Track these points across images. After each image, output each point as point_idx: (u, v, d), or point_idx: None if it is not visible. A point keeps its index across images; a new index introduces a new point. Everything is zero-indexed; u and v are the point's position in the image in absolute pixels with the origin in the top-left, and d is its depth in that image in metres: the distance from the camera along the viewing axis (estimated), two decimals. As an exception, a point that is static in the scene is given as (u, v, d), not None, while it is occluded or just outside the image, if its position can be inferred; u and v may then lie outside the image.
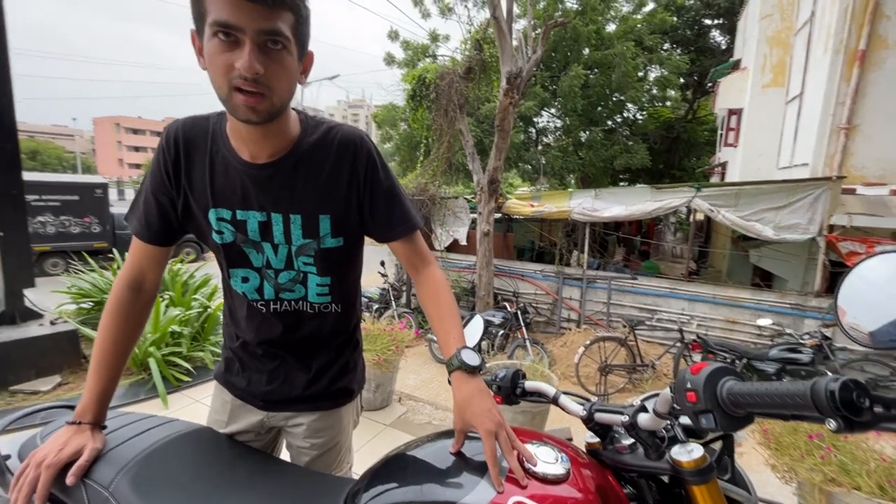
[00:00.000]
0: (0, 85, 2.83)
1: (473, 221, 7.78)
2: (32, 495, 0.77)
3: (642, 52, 12.05)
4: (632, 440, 0.82)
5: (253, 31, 0.70)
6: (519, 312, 5.84)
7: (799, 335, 5.17)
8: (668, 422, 0.76)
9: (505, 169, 14.39)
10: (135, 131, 52.42)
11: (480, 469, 0.74)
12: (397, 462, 0.83)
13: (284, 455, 1.14)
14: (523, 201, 7.28)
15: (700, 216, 8.90)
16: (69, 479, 0.79)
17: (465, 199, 7.87)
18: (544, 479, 0.73)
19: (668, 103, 16.59)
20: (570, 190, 7.55)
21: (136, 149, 52.19)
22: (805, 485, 1.65)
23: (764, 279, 8.15)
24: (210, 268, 4.14)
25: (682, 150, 16.64)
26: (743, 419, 0.60)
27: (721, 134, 12.56)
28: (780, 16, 8.63)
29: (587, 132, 13.28)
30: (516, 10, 10.07)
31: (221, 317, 1.13)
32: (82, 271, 4.17)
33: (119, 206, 13.26)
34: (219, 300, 3.62)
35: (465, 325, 1.18)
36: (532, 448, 0.78)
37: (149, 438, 0.91)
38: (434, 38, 11.90)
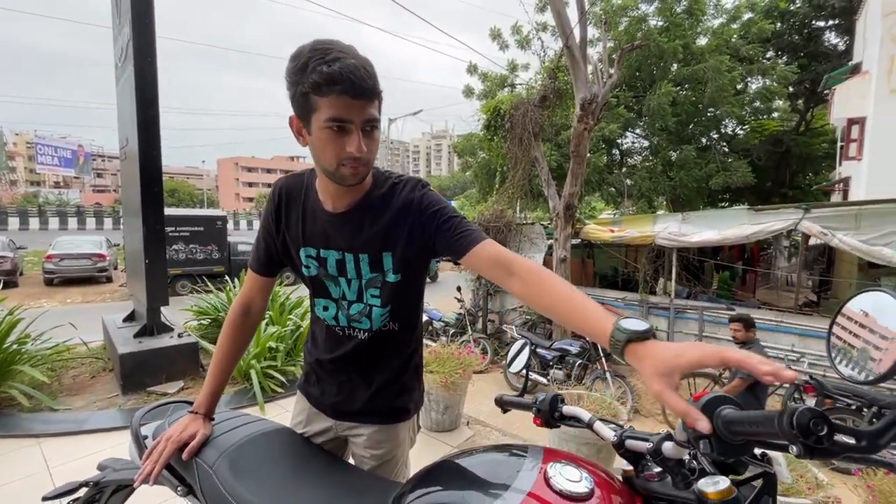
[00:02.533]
0: (151, 142, 3.56)
1: (550, 248, 7.69)
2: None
3: (739, 63, 11.18)
4: (660, 469, 0.84)
5: (360, 121, 0.89)
6: (597, 344, 5.60)
7: (950, 382, 4.29)
8: (690, 450, 0.77)
9: (587, 193, 14.01)
10: (249, 169, 60.04)
11: (504, 481, 0.81)
12: (441, 469, 0.93)
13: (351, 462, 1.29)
14: (603, 226, 7.06)
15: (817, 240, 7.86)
16: (185, 455, 1.02)
17: (542, 224, 7.83)
18: (566, 496, 0.78)
19: (776, 115, 15.00)
20: (653, 214, 7.16)
21: (250, 184, 59.64)
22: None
23: (905, 313, 6.91)
24: (304, 290, 4.63)
25: (795, 165, 14.83)
26: (740, 447, 0.61)
27: (841, 146, 11.06)
28: (910, 11, 7.55)
29: (678, 151, 12.47)
30: (595, 33, 10.02)
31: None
32: (204, 292, 4.91)
33: (234, 236, 15.25)
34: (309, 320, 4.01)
35: (511, 353, 1.26)
36: (558, 467, 0.84)
37: (244, 431, 1.12)
38: (513, 68, 12.20)
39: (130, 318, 4.22)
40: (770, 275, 13.08)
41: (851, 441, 0.51)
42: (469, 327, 7.06)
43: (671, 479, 0.81)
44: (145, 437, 1.15)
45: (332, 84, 0.84)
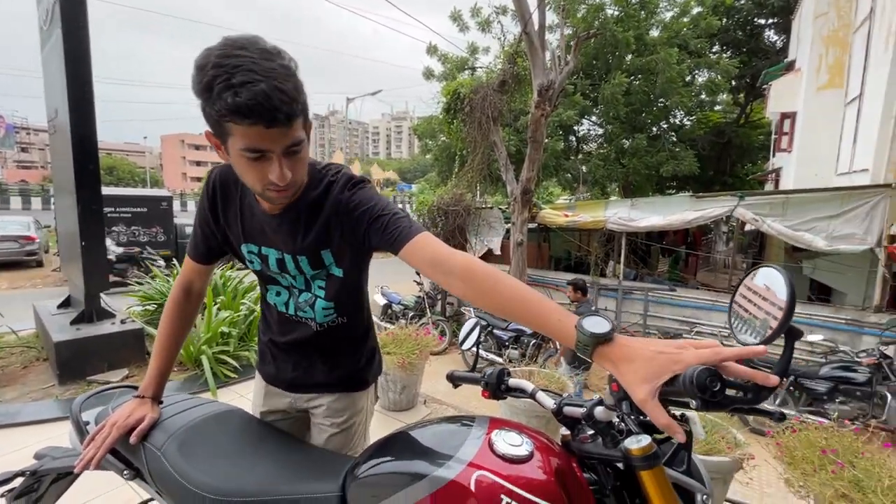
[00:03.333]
0: (84, 115, 3.29)
1: (507, 231, 7.85)
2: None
3: (688, 56, 11.70)
4: (593, 431, 0.92)
5: (280, 149, 0.82)
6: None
7: (855, 353, 4.84)
8: (618, 413, 0.86)
9: (543, 178, 14.32)
10: (196, 147, 56.59)
11: (452, 447, 0.87)
12: (394, 440, 0.98)
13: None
14: (558, 211, 7.29)
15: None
16: (132, 440, 1.00)
17: (500, 209, 7.97)
18: (507, 459, 0.84)
19: (719, 107, 15.89)
20: (605, 200, 7.46)
21: (198, 163, 56.29)
22: (818, 499, 1.62)
23: (822, 293, 7.65)
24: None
25: (735, 155, 15.84)
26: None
27: (775, 138, 11.91)
28: (837, 14, 8.16)
29: (630, 139, 12.98)
30: (554, 19, 10.14)
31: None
32: (149, 278, 4.66)
33: (182, 217, 14.43)
34: (263, 304, 3.92)
35: (463, 332, 1.32)
36: (502, 434, 0.90)
37: (194, 413, 1.11)
38: (473, 50, 12.15)
39: (66, 304, 3.94)
40: (710, 258, 14.03)
41: (740, 395, 0.60)
42: (428, 310, 7.14)
43: (602, 440, 0.90)
44: (87, 423, 1.11)
45: (242, 116, 0.75)
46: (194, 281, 1.18)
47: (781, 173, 10.98)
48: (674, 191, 16.06)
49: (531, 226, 8.84)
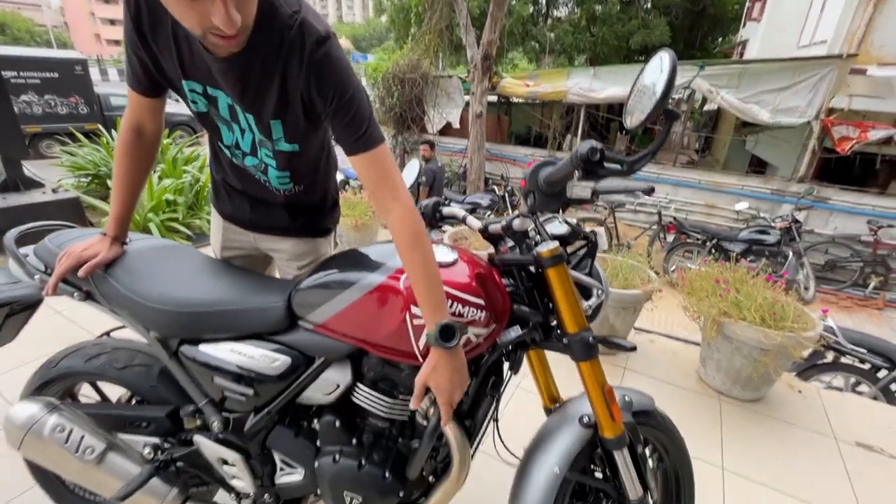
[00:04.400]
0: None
1: (467, 105, 7.53)
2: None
3: None
4: (513, 243, 1.04)
5: None
6: (507, 195, 6.01)
7: (772, 219, 5.38)
8: (532, 219, 0.96)
9: (509, 48, 13.34)
10: (106, 0, 47.38)
11: (384, 259, 0.96)
12: (335, 258, 1.07)
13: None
14: (519, 81, 6.97)
15: (714, 106, 8.52)
16: (80, 273, 1.02)
17: (459, 77, 7.51)
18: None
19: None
20: (567, 68, 7.15)
21: (112, 22, 47.68)
22: (706, 319, 1.97)
23: (760, 167, 8.13)
24: (203, 150, 4.21)
25: (707, 26, 15.11)
26: (554, 197, 0.79)
27: (748, 7, 11.36)
28: None
29: (602, 4, 12.01)
30: None
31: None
32: (72, 152, 4.25)
33: (104, 87, 12.69)
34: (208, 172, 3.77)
35: (404, 172, 1.35)
36: (437, 248, 1.00)
37: (144, 244, 1.14)
38: None
39: (-16, 174, 3.62)
40: (667, 136, 14.26)
41: (617, 167, 0.68)
42: (418, 206, 7.10)
43: (519, 249, 1.02)
44: (26, 256, 1.12)
45: None
46: (144, 120, 1.02)
47: (747, 46, 10.73)
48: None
49: (492, 99, 8.49)
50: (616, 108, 11.12)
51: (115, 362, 1.16)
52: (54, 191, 3.40)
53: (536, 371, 1.16)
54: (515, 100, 7.96)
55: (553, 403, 1.17)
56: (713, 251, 5.36)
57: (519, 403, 1.89)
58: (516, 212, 1.02)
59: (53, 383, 1.20)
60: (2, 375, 2.00)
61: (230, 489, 1.13)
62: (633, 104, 0.70)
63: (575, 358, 0.99)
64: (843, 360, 2.89)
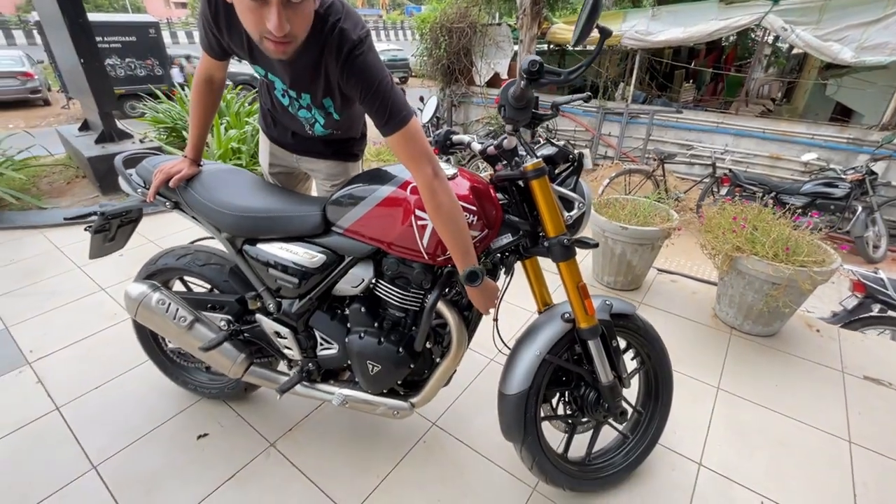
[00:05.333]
0: None
1: (517, 54, 7.33)
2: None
3: None
4: (505, 162, 1.21)
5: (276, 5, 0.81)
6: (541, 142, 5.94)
7: (843, 170, 4.96)
8: (517, 139, 1.13)
9: (567, -9, 12.50)
10: (172, -37, 48.95)
11: (395, 174, 1.17)
12: (360, 176, 1.30)
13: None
14: (571, 26, 6.66)
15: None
16: (171, 183, 1.33)
17: (508, 25, 7.29)
18: (436, 178, 1.15)
19: None
20: (624, 10, 6.70)
21: (179, -16, 49.45)
22: (720, 255, 2.03)
23: (845, 116, 7.34)
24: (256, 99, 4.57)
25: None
26: (522, 111, 0.96)
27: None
28: None
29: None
30: None
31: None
32: (153, 108, 4.77)
33: (174, 49, 13.55)
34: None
35: (423, 106, 1.54)
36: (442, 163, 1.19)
37: (217, 166, 1.44)
38: None
39: (85, 127, 4.21)
40: (741, 84, 12.95)
41: (557, 78, 0.84)
42: (432, 136, 7.23)
43: (509, 166, 1.19)
44: (130, 174, 1.46)
45: None
46: (213, 73, 1.29)
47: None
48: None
49: (543, 47, 8.17)
50: (684, 54, 10.25)
51: (198, 260, 1.50)
52: (141, 141, 3.91)
53: (531, 278, 1.35)
54: (568, 47, 7.63)
55: (545, 307, 1.37)
56: (770, 205, 5.08)
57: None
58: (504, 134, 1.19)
59: (154, 276, 1.56)
60: (112, 287, 2.50)
61: (284, 357, 1.46)
62: (575, 28, 0.83)
63: (554, 259, 1.18)
64: (892, 313, 2.79)
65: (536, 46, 6.49)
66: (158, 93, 5.22)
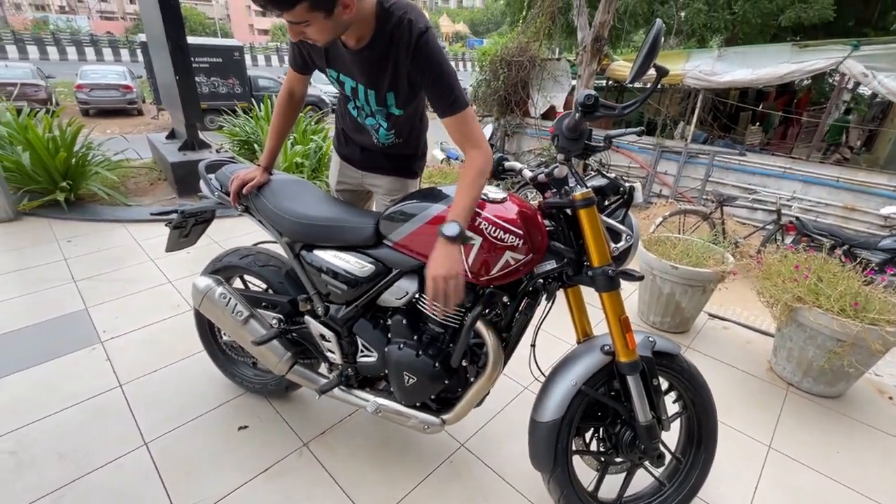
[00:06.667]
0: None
1: (574, 88, 7.38)
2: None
3: None
4: (555, 189, 1.24)
5: (288, 21, 1.06)
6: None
7: (931, 227, 4.53)
8: (568, 168, 1.15)
9: (631, 28, 12.50)
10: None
11: (447, 195, 1.23)
12: (412, 195, 1.38)
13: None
14: (629, 63, 6.64)
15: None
16: (245, 190, 1.47)
17: (568, 60, 7.39)
18: (488, 200, 1.20)
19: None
20: (689, 49, 6.62)
21: (264, 13, 54.14)
22: (778, 304, 1.91)
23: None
24: (327, 124, 4.91)
25: (889, -2, 12.47)
26: (574, 141, 0.99)
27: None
28: None
29: (748, -25, 10.52)
30: None
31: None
32: (231, 122, 5.23)
33: (253, 71, 14.79)
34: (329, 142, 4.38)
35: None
36: (489, 188, 1.25)
37: (284, 177, 1.57)
38: None
39: (171, 136, 4.67)
40: (814, 130, 12.24)
41: (612, 112, 0.86)
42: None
43: (559, 194, 1.22)
44: (210, 179, 1.62)
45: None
46: (295, 87, 1.48)
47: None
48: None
49: (601, 83, 8.18)
50: (751, 95, 9.89)
51: (258, 261, 1.62)
52: (217, 151, 4.28)
53: (573, 307, 1.35)
54: (627, 84, 7.62)
55: (585, 337, 1.35)
56: (843, 261, 4.71)
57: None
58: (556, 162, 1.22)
59: (219, 272, 1.70)
60: (178, 280, 2.72)
61: (326, 360, 1.53)
62: (632, 66, 0.86)
63: (597, 289, 1.18)
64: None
65: (595, 82, 6.50)
66: (237, 109, 5.71)
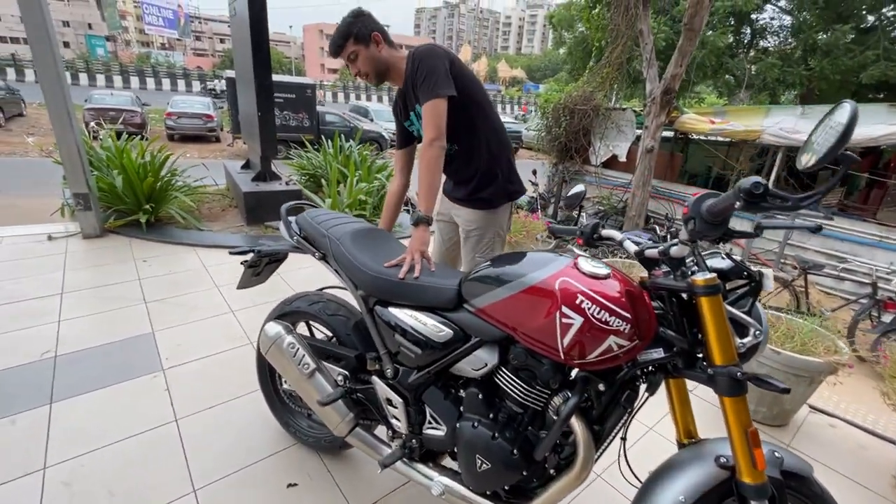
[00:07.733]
0: (258, 5, 3.76)
1: (638, 139, 7.21)
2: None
3: None
4: (667, 268, 1.09)
5: (345, 58, 1.64)
6: (669, 237, 5.55)
7: None
8: (691, 249, 1.01)
9: (699, 80, 12.24)
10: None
11: (544, 264, 1.12)
12: (501, 258, 1.28)
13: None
14: (703, 116, 6.42)
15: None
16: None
17: (634, 111, 7.27)
18: (587, 274, 1.08)
19: None
20: (767, 106, 6.31)
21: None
22: (912, 412, 1.60)
23: None
24: (390, 161, 5.03)
25: None
26: (715, 227, 0.85)
27: None
28: None
29: (829, 32, 10.09)
30: None
31: None
32: (300, 156, 5.50)
33: (320, 107, 15.75)
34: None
35: (569, 192, 1.53)
36: (587, 260, 1.12)
37: (365, 225, 1.54)
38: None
39: (246, 166, 4.94)
40: (903, 193, 11.21)
41: (785, 203, 0.72)
42: (540, 211, 7.23)
43: (673, 275, 1.07)
44: (290, 222, 1.61)
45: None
46: (400, 170, 1.84)
47: None
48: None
49: (667, 134, 7.95)
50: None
51: (327, 309, 1.56)
52: (287, 183, 4.46)
53: (675, 402, 1.17)
54: (695, 136, 7.34)
55: (688, 439, 1.16)
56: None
57: (650, 439, 1.83)
58: (675, 240, 1.08)
59: (286, 316, 1.66)
60: (239, 311, 2.74)
61: (389, 426, 1.42)
62: (808, 146, 0.73)
63: (719, 392, 1.00)
64: None
65: (661, 133, 6.31)
66: (305, 142, 6.00)
